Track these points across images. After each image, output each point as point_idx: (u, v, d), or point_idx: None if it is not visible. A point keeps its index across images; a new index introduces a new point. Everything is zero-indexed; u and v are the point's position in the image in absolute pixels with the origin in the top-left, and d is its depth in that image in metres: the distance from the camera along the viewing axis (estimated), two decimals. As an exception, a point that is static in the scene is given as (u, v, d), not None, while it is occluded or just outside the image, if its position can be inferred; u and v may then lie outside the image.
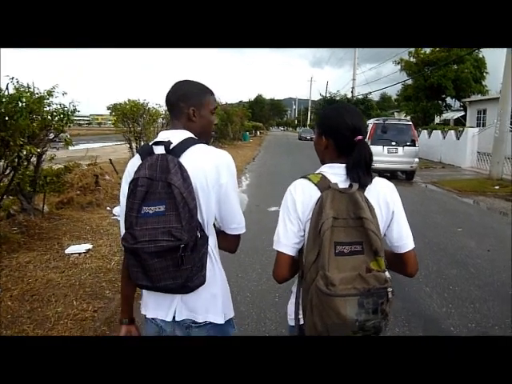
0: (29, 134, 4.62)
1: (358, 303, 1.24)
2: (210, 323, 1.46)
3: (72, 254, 4.88)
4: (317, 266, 1.28)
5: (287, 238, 1.42)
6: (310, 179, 1.42)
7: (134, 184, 1.33)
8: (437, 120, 27.89)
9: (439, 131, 19.88)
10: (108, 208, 7.28)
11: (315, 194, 1.38)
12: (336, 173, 1.43)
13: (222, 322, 1.48)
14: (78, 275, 4.23)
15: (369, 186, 1.40)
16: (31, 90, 4.91)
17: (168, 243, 1.28)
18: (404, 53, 26.47)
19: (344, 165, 1.43)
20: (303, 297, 1.38)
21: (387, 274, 1.34)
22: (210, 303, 1.46)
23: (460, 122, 25.24)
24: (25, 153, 4.55)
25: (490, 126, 15.96)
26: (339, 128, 1.44)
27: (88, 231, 5.88)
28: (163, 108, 11.68)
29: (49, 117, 5.32)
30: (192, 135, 1.45)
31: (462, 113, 26.75)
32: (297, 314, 1.45)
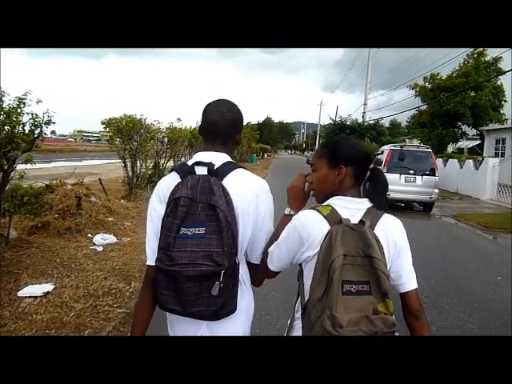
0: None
1: None
2: None
3: (26, 297, 3.93)
4: (322, 304, 1.23)
5: (279, 261, 1.42)
6: (319, 211, 1.34)
7: (174, 203, 1.28)
8: (450, 148, 26.87)
9: (455, 160, 18.87)
10: (89, 235, 6.34)
11: (325, 227, 1.30)
12: (346, 206, 1.36)
13: None
14: (21, 332, 3.25)
15: (378, 223, 1.33)
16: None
17: (208, 268, 1.25)
18: (419, 78, 25.72)
19: (356, 198, 1.39)
20: (305, 333, 1.31)
21: (394, 317, 1.28)
22: (233, 331, 1.42)
23: (475, 151, 24.22)
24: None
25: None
26: (359, 156, 1.41)
27: (57, 265, 4.92)
28: (163, 125, 10.93)
29: (13, 129, 4.45)
30: (231, 159, 1.45)
31: (477, 141, 25.75)
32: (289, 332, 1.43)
